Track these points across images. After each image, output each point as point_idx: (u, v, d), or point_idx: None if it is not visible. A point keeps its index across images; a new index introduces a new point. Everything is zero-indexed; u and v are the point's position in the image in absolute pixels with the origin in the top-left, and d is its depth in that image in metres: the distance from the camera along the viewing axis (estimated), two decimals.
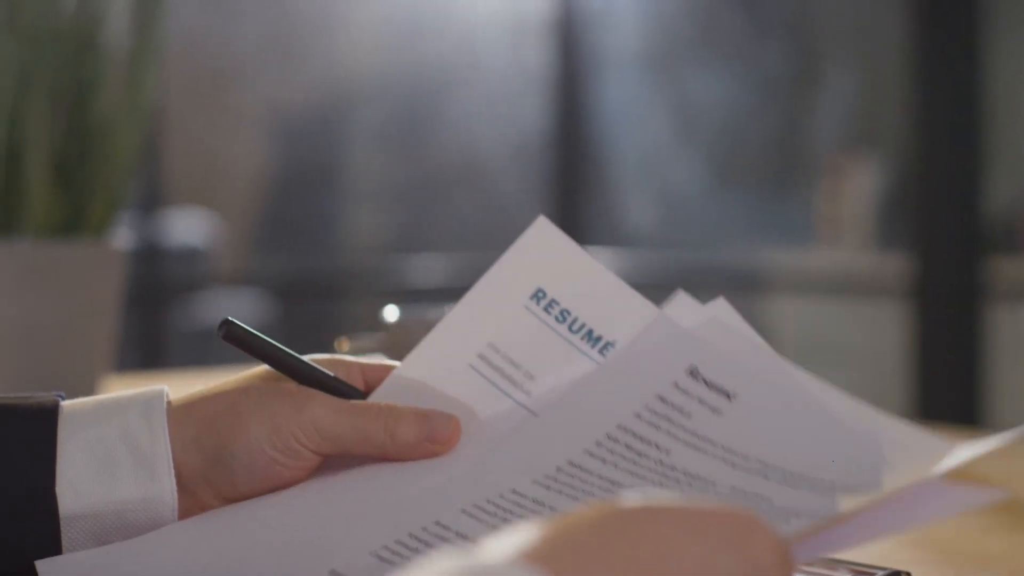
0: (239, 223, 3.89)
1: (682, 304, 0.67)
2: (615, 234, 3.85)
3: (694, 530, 0.41)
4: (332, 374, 0.66)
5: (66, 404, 0.65)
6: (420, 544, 0.57)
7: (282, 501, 0.63)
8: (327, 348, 0.85)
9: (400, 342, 0.89)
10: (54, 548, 0.62)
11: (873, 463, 0.57)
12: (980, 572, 0.66)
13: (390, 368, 0.69)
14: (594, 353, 0.66)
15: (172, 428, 0.64)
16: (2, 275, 1.18)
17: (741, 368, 0.63)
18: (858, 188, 3.10)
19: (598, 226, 3.91)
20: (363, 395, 0.67)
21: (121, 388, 1.42)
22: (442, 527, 0.58)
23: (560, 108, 3.96)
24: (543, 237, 0.70)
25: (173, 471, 0.63)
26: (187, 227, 3.69)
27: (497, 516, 0.58)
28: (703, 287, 3.54)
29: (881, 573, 0.61)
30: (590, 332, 0.66)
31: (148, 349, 3.49)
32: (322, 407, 0.64)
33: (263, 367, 0.67)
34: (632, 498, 0.42)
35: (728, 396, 0.61)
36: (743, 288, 3.41)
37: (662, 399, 0.61)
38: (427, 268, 3.83)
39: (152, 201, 3.56)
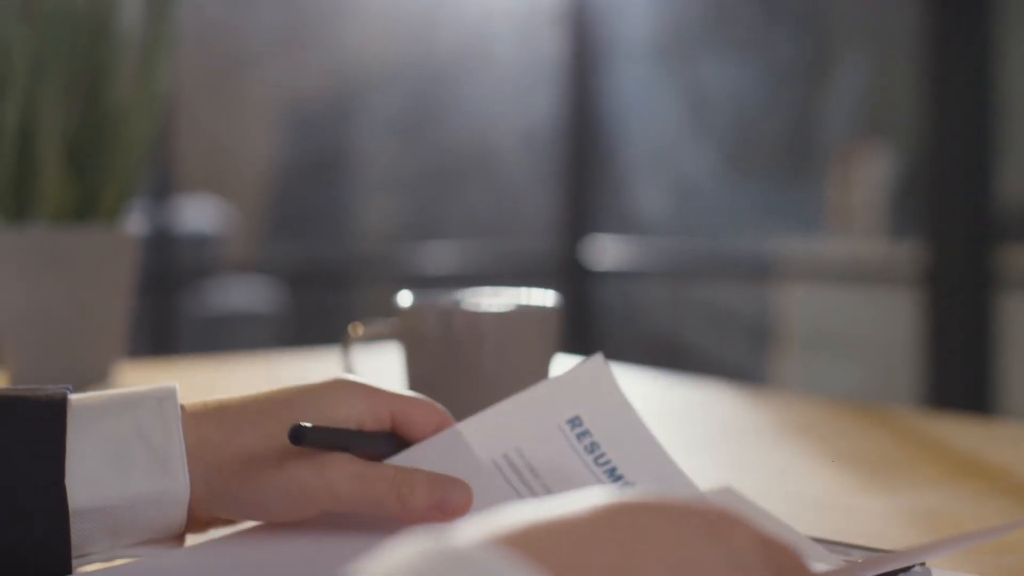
0: (250, 210, 3.89)
1: None
2: (627, 222, 3.85)
3: (678, 523, 0.40)
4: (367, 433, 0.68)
5: (74, 397, 0.64)
6: None
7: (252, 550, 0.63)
8: (337, 334, 0.85)
9: (413, 328, 0.89)
10: (62, 542, 0.61)
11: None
12: (996, 559, 0.66)
13: (416, 401, 0.70)
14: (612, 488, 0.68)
15: (189, 440, 0.64)
16: (15, 260, 1.18)
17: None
18: (870, 176, 3.09)
19: (610, 214, 3.91)
20: (392, 441, 0.69)
21: (133, 374, 1.42)
22: None
23: (572, 97, 3.96)
24: (595, 373, 0.71)
25: (187, 468, 0.63)
26: (199, 214, 3.70)
27: None
28: (714, 275, 3.55)
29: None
30: (613, 469, 0.68)
31: (159, 335, 3.50)
32: (339, 471, 0.64)
33: (276, 396, 0.67)
34: (612, 491, 0.42)
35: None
36: (755, 276, 3.40)
37: None
38: (438, 255, 3.83)
39: (164, 188, 3.56)
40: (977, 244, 2.64)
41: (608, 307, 3.89)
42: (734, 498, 0.67)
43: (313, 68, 3.84)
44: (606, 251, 3.83)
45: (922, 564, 0.61)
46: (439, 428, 0.70)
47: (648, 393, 1.32)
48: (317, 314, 3.69)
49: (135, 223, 1.22)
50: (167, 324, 3.54)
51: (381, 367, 1.50)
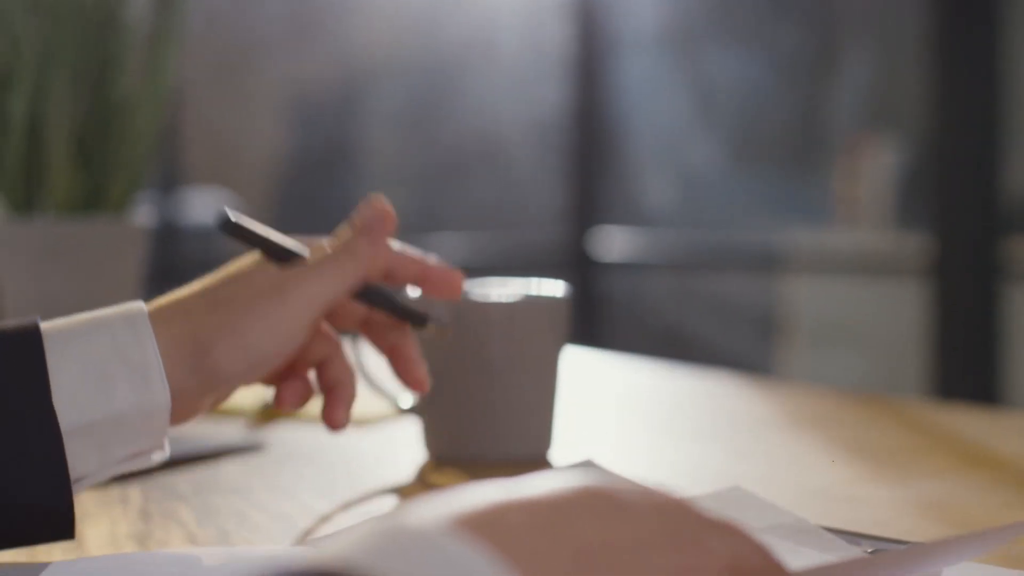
0: (257, 203, 3.89)
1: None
2: (633, 214, 3.85)
3: (634, 518, 0.39)
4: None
5: (46, 325, 0.65)
6: None
7: None
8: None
9: None
10: (59, 466, 0.61)
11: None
12: (1004, 548, 0.66)
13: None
14: None
15: (156, 336, 0.67)
16: (23, 252, 1.19)
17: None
18: (876, 168, 3.09)
19: (616, 206, 3.90)
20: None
21: None
22: None
23: (578, 88, 3.96)
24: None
25: (166, 378, 0.65)
26: (205, 206, 3.70)
27: None
28: (721, 267, 3.54)
29: (904, 547, 0.61)
30: None
31: None
32: (307, 277, 0.70)
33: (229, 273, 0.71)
34: (575, 478, 0.40)
35: None
36: (761, 268, 3.40)
37: None
38: (445, 247, 3.83)
39: (171, 180, 3.57)
40: (983, 236, 2.63)
41: (615, 298, 3.89)
42: (743, 496, 0.67)
43: (320, 60, 3.84)
44: (612, 242, 3.83)
45: None
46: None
47: (655, 384, 1.32)
48: None
49: (144, 215, 1.22)
50: None
51: None
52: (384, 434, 1.02)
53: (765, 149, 3.63)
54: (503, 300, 0.88)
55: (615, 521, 0.38)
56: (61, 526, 0.63)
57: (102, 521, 0.72)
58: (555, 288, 0.92)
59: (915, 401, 1.20)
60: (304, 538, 0.67)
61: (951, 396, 2.63)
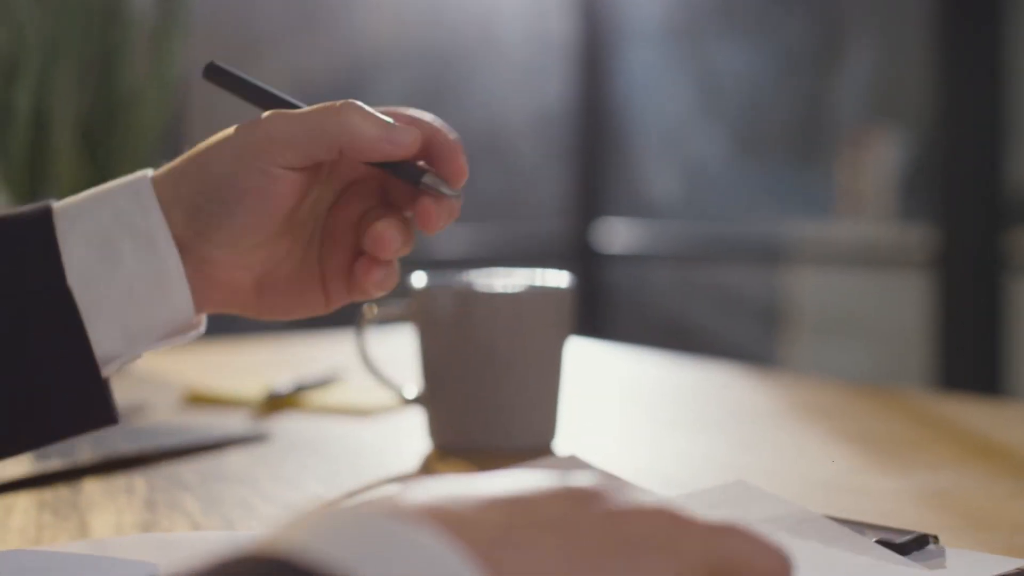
0: None
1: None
2: (638, 205, 3.85)
3: (614, 519, 0.37)
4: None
5: (58, 204, 0.64)
6: None
7: None
8: (351, 316, 0.85)
9: (427, 309, 0.90)
10: (83, 346, 0.61)
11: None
12: (1007, 538, 0.66)
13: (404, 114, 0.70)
14: None
15: (159, 197, 0.64)
16: None
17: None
18: (880, 160, 3.09)
19: (620, 197, 3.90)
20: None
21: (149, 361, 1.43)
22: None
23: (583, 79, 3.96)
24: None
25: (172, 241, 0.63)
26: None
27: None
28: (725, 259, 3.54)
29: (908, 536, 0.61)
30: None
31: None
32: (278, 117, 0.65)
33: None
34: (551, 476, 0.39)
35: None
36: (765, 259, 3.40)
37: None
38: (450, 238, 3.83)
39: None
40: (988, 227, 2.63)
41: (619, 289, 3.89)
42: (747, 489, 0.67)
43: (324, 51, 3.84)
44: (617, 234, 3.83)
45: (935, 540, 0.62)
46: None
47: (659, 375, 1.33)
48: None
49: None
50: None
51: (395, 348, 1.50)
52: (388, 424, 1.02)
53: (769, 141, 3.62)
54: (507, 291, 0.88)
55: (583, 520, 0.37)
56: (99, 411, 0.62)
57: (108, 510, 0.73)
58: (559, 279, 0.92)
59: (919, 392, 1.20)
60: None
61: (954, 388, 2.63)
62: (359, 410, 1.07)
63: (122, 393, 1.17)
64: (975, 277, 2.63)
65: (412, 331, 0.92)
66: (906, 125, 3.09)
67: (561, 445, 0.92)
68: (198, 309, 0.68)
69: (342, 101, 0.65)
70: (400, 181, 0.71)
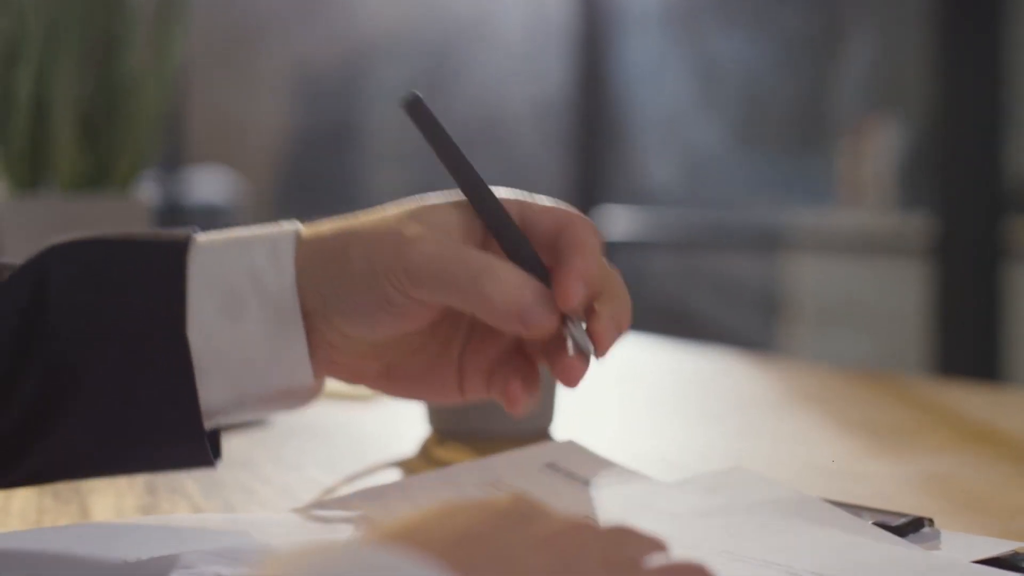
0: (261, 182, 3.89)
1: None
2: (637, 193, 3.85)
3: (572, 536, 0.40)
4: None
5: (197, 243, 0.61)
6: None
7: None
8: None
9: None
10: (190, 396, 0.59)
11: None
12: (1004, 522, 0.67)
13: (554, 211, 0.66)
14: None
15: (298, 264, 0.60)
16: (29, 228, 1.19)
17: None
18: (880, 149, 3.09)
19: (619, 185, 3.90)
20: (539, 264, 0.62)
21: None
22: None
23: (582, 67, 3.96)
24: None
25: (300, 314, 0.60)
26: (209, 185, 3.70)
27: None
28: (725, 246, 3.54)
29: (904, 519, 0.61)
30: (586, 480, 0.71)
31: None
32: (422, 244, 0.59)
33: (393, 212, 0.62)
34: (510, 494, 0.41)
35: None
36: (765, 248, 3.41)
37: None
38: None
39: (175, 159, 3.57)
40: (987, 216, 2.63)
41: None
42: (744, 475, 0.68)
43: (324, 39, 3.84)
44: (616, 221, 3.83)
45: (931, 523, 0.62)
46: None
47: (659, 362, 1.33)
48: None
49: (147, 192, 1.23)
50: None
51: None
52: (388, 409, 1.02)
53: (769, 129, 3.62)
54: None
55: (536, 542, 0.39)
56: (196, 457, 0.61)
57: (108, 494, 0.73)
58: None
59: (917, 379, 1.21)
60: (306, 507, 0.67)
61: (953, 374, 2.64)
62: (359, 395, 1.07)
63: None
64: (974, 265, 2.64)
65: None
66: (906, 114, 3.09)
67: (559, 430, 0.92)
68: (318, 378, 0.63)
69: (486, 260, 0.59)
70: None
